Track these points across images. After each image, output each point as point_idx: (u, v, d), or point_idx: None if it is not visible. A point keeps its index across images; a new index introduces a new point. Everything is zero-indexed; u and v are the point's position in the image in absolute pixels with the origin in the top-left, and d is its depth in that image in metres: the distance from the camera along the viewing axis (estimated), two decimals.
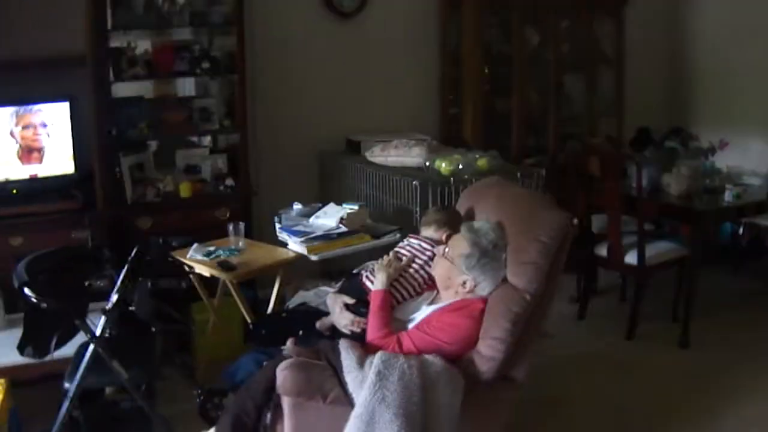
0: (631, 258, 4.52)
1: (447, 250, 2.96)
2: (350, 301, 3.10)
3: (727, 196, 4.60)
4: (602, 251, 4.69)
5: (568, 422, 3.70)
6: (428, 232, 3.29)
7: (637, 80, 5.96)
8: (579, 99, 5.78)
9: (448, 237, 3.14)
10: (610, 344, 4.56)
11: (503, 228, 2.97)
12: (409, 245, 3.26)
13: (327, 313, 3.20)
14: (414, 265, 3.16)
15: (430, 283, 3.13)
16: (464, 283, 2.89)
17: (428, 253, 3.17)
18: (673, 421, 3.70)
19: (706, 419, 3.71)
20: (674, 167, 4.79)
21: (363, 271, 3.25)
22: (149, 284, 2.86)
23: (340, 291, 3.21)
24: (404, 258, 3.17)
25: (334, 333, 3.09)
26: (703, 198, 4.64)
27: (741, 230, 5.65)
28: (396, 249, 3.29)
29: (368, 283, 3.12)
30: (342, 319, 3.08)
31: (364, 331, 2.97)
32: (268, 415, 2.85)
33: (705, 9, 6.20)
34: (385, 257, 3.17)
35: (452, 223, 3.22)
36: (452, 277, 2.92)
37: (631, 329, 4.60)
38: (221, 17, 4.25)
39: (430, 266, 3.13)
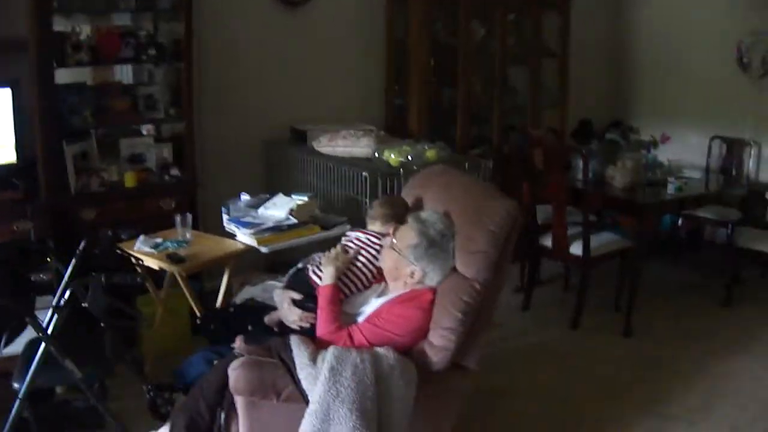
0: (575, 249, 4.59)
1: (394, 241, 2.94)
2: (297, 296, 3.07)
3: (670, 189, 4.72)
4: (547, 242, 4.75)
5: (515, 413, 3.74)
6: (375, 226, 3.27)
7: (579, 74, 6.03)
8: (523, 91, 5.83)
9: (395, 230, 3.12)
10: (555, 334, 4.64)
11: (450, 218, 2.97)
12: (356, 238, 3.23)
13: (275, 308, 3.17)
14: (361, 258, 3.13)
15: (378, 277, 3.12)
16: (412, 273, 2.88)
17: (375, 246, 3.16)
18: (618, 409, 3.77)
19: (651, 406, 3.80)
20: (618, 160, 4.87)
21: (309, 265, 3.21)
22: (103, 279, 2.76)
23: (287, 286, 3.17)
24: (351, 251, 3.15)
25: (283, 328, 3.06)
26: (645, 191, 4.74)
27: (680, 222, 5.79)
28: (342, 242, 3.26)
29: (315, 278, 3.09)
30: (290, 315, 3.05)
31: (313, 326, 2.95)
32: (222, 415, 2.81)
33: (647, 4, 6.32)
34: (332, 250, 3.14)
35: (399, 215, 3.20)
36: (400, 267, 2.91)
37: (575, 319, 4.68)
38: (168, 2, 4.16)
39: (377, 259, 3.11)
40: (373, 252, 3.14)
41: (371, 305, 2.96)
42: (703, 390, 3.98)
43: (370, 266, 3.13)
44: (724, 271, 5.40)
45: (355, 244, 3.19)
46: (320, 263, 3.11)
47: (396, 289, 2.95)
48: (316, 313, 2.95)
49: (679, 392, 3.95)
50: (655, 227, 5.57)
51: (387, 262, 2.96)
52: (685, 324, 4.80)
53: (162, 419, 3.40)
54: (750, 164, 5.64)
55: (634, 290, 4.62)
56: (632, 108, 6.44)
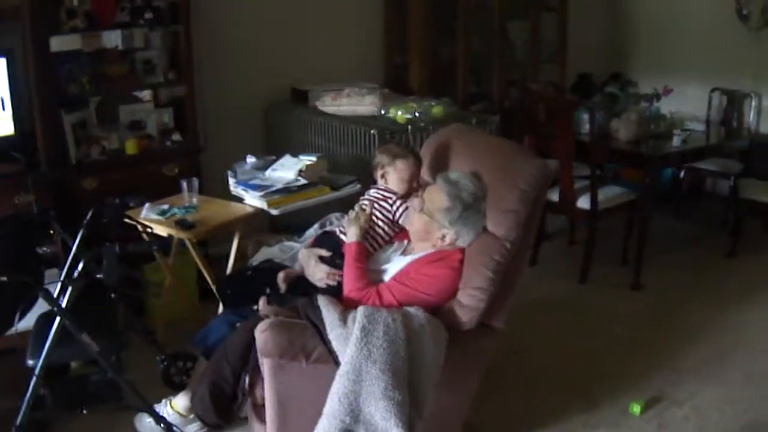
0: (583, 202, 4.57)
1: (425, 204, 2.88)
2: (326, 253, 3.03)
3: (675, 141, 4.69)
4: (553, 196, 4.71)
5: (530, 367, 3.74)
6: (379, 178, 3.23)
7: (578, 27, 5.95)
8: (522, 46, 5.76)
9: (383, 175, 3.13)
10: (564, 289, 4.63)
11: (480, 178, 2.91)
12: (368, 196, 3.19)
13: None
14: (377, 214, 3.09)
15: (397, 231, 3.09)
16: (443, 236, 2.84)
17: (387, 200, 3.11)
18: (632, 362, 3.78)
19: (664, 359, 3.80)
20: (621, 113, 4.83)
21: (336, 228, 3.17)
22: (117, 249, 2.68)
23: (314, 245, 3.14)
24: (367, 209, 3.09)
25: (295, 286, 3.02)
26: (650, 143, 4.71)
27: (682, 175, 5.77)
28: (360, 201, 3.21)
29: (343, 237, 3.05)
30: (317, 272, 3.01)
31: (339, 284, 2.92)
32: (246, 379, 2.78)
33: None
34: (351, 212, 3.08)
35: (384, 159, 3.16)
36: (431, 231, 2.86)
37: (584, 273, 4.67)
38: None
39: (391, 213, 3.07)
40: (387, 206, 3.10)
41: (396, 263, 2.92)
42: (714, 341, 3.98)
43: (386, 220, 3.09)
44: (725, 222, 5.44)
45: (369, 201, 3.14)
46: (342, 225, 3.08)
47: (423, 249, 2.91)
48: (343, 270, 2.92)
49: (690, 344, 3.95)
50: (657, 180, 5.56)
51: (416, 224, 2.91)
52: (691, 276, 4.80)
53: (177, 388, 3.37)
54: (750, 116, 5.61)
55: (643, 243, 4.60)
56: (631, 61, 6.38)
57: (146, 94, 4.34)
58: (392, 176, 3.14)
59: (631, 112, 4.78)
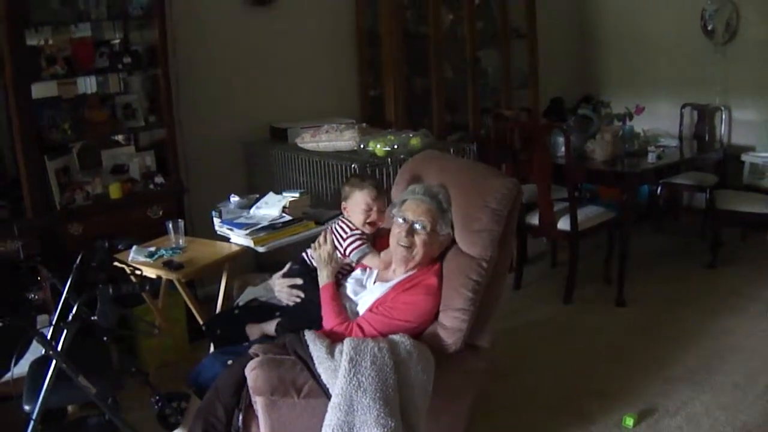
0: (563, 224, 4.63)
1: (420, 221, 2.91)
2: (285, 270, 3.18)
3: (651, 158, 4.78)
4: (533, 220, 4.78)
5: (524, 389, 3.76)
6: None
7: (548, 52, 6.09)
8: (494, 74, 5.86)
9: (345, 208, 3.18)
10: (550, 310, 4.68)
11: (446, 187, 2.98)
12: (332, 226, 3.25)
13: (279, 307, 3.17)
14: (335, 245, 3.13)
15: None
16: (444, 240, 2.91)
17: (340, 236, 3.15)
18: (622, 376, 3.82)
19: (654, 370, 3.86)
20: (596, 134, 4.92)
21: (307, 258, 3.24)
22: (111, 290, 2.69)
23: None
24: (329, 241, 3.13)
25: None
26: (626, 161, 4.80)
27: (659, 191, 5.87)
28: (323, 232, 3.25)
29: (306, 258, 3.20)
30: (279, 289, 3.14)
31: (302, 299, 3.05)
32: (240, 417, 2.78)
33: None
34: (321, 253, 3.10)
35: (344, 191, 3.23)
36: (434, 243, 2.89)
37: (568, 294, 4.73)
38: (140, 9, 4.09)
39: (341, 248, 3.11)
40: (339, 241, 3.12)
41: (372, 291, 2.96)
42: (701, 351, 4.05)
43: (340, 249, 3.13)
44: (704, 235, 5.53)
45: (331, 232, 3.20)
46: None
47: (404, 264, 2.92)
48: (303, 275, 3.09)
49: (678, 355, 4.01)
50: (635, 197, 5.66)
51: (425, 247, 2.88)
52: (674, 289, 4.88)
53: (173, 429, 3.37)
54: (722, 129, 5.74)
55: (625, 259, 4.67)
56: (602, 82, 6.51)
57: (127, 138, 4.39)
58: (352, 208, 3.18)
59: (605, 132, 4.87)
